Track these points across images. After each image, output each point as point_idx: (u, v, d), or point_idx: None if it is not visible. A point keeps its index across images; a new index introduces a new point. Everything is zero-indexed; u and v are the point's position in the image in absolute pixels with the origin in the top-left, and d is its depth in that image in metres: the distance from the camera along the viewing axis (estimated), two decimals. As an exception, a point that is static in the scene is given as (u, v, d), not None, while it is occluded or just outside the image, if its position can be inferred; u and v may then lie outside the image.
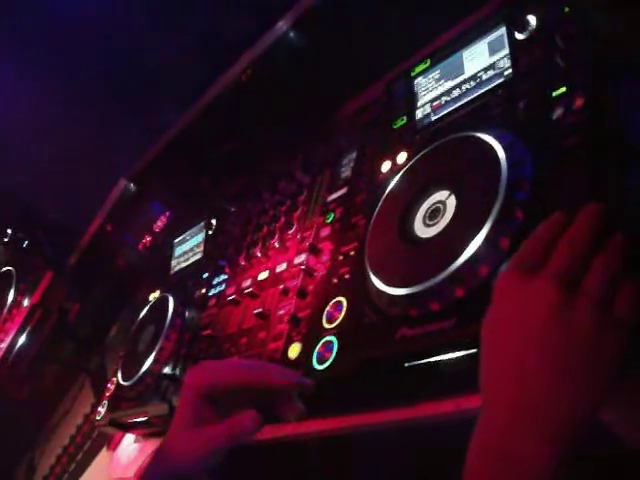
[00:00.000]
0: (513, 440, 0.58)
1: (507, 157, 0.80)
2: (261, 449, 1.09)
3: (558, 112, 0.80)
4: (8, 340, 1.89)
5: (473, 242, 0.77)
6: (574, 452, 0.57)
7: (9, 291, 1.95)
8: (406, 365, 0.85)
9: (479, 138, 0.85)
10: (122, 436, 1.69)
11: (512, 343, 0.61)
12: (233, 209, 1.58)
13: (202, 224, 1.67)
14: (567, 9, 0.87)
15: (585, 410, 0.57)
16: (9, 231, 2.05)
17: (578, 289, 0.60)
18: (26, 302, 1.92)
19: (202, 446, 0.80)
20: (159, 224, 1.93)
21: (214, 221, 1.62)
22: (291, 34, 1.40)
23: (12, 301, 1.94)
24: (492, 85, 0.96)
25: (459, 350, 0.79)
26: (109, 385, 1.62)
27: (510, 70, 0.93)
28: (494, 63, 0.97)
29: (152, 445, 1.53)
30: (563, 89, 0.81)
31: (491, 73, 0.97)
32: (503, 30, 0.97)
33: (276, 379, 0.81)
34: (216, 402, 0.82)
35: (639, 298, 0.59)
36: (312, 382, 0.84)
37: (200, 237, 1.66)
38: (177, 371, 1.37)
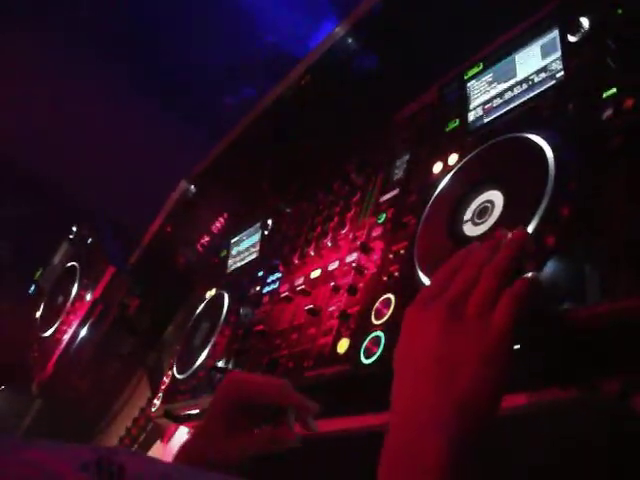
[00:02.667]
0: (414, 438, 0.65)
1: (555, 157, 0.81)
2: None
3: (607, 113, 0.80)
4: (71, 332, 1.97)
5: (519, 238, 0.78)
6: (477, 445, 0.64)
7: (73, 285, 2.03)
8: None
9: (528, 139, 0.87)
10: (176, 428, 1.74)
11: (413, 361, 0.70)
12: (289, 210, 1.61)
13: (258, 224, 1.71)
14: (620, 11, 0.87)
15: (471, 407, 0.64)
16: (74, 228, 2.13)
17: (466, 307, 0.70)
18: (88, 296, 1.99)
19: (242, 451, 0.93)
20: (217, 225, 1.98)
21: (270, 222, 1.66)
22: (348, 39, 1.43)
23: (75, 295, 2.01)
24: (544, 87, 0.97)
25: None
26: (165, 379, 1.67)
27: (562, 72, 0.94)
28: (546, 66, 0.98)
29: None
30: (613, 90, 0.82)
31: (543, 75, 0.98)
32: (556, 33, 0.98)
33: (295, 396, 0.93)
34: (248, 411, 0.94)
35: (513, 307, 0.67)
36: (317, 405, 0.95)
37: (256, 237, 1.70)
38: (229, 365, 1.40)
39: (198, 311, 1.64)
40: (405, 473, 0.64)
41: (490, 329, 0.67)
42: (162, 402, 1.62)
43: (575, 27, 0.94)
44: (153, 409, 1.65)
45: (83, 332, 1.97)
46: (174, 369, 1.57)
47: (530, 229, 0.78)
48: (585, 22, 0.92)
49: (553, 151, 0.82)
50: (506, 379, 0.67)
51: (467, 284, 0.71)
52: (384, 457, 0.66)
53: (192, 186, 1.97)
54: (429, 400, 0.66)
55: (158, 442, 1.84)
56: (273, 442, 0.93)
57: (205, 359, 1.43)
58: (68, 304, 2.01)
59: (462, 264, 0.74)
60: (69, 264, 2.12)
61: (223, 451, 0.92)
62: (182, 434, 1.71)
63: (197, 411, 1.48)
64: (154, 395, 1.72)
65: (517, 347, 0.78)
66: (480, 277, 0.71)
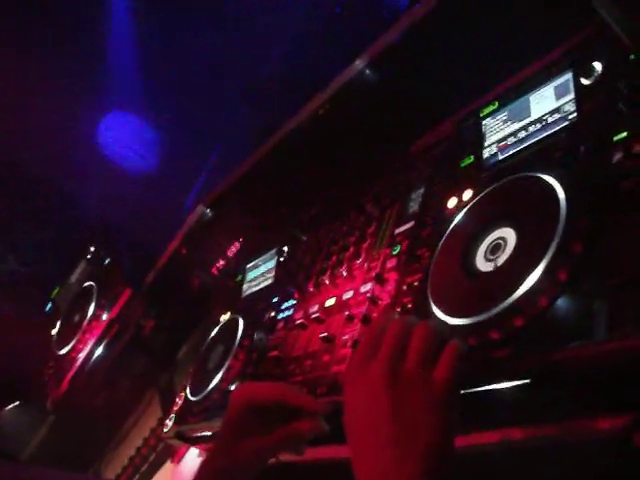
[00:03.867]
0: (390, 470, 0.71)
1: (566, 197, 0.84)
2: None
3: (618, 156, 0.83)
4: (86, 350, 2.00)
5: (533, 273, 0.81)
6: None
7: (90, 305, 2.06)
8: (461, 392, 0.89)
9: (540, 178, 0.90)
10: (187, 449, 1.76)
11: (368, 425, 0.75)
12: (304, 238, 1.65)
13: (274, 251, 1.74)
14: (633, 56, 0.90)
15: (434, 453, 0.71)
16: (92, 248, 2.17)
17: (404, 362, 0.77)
18: (105, 316, 2.03)
19: (259, 454, 0.99)
20: (232, 249, 2.01)
21: (286, 248, 1.69)
22: (367, 72, 1.46)
23: (92, 314, 2.05)
24: (557, 128, 1.00)
25: (515, 379, 0.83)
26: (177, 400, 1.69)
27: (575, 114, 0.97)
28: (560, 107, 1.01)
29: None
30: (624, 134, 0.85)
31: (556, 116, 1.01)
32: (569, 75, 1.01)
33: (307, 399, 0.98)
34: (261, 416, 0.98)
35: (455, 360, 0.76)
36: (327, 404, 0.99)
37: (271, 263, 1.73)
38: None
39: (212, 334, 1.67)
40: None
41: (436, 381, 0.75)
42: (174, 423, 1.64)
43: (588, 71, 0.97)
44: (165, 429, 1.67)
45: (98, 351, 2.00)
46: (187, 390, 1.59)
47: (543, 266, 0.80)
48: (598, 66, 0.96)
49: (565, 191, 0.85)
50: (457, 420, 0.75)
51: (399, 339, 0.78)
52: None
53: (209, 210, 2.01)
54: (395, 457, 0.71)
55: (168, 462, 1.86)
56: (288, 440, 0.98)
57: (219, 382, 1.45)
58: (84, 323, 2.05)
59: (387, 324, 0.81)
60: (86, 284, 2.15)
61: (241, 456, 0.97)
62: (193, 455, 1.73)
63: (209, 433, 1.50)
64: (166, 415, 1.74)
65: (525, 382, 0.81)
66: (412, 334, 0.79)
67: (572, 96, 0.99)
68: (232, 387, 1.44)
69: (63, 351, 2.08)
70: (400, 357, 0.77)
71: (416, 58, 1.39)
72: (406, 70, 1.43)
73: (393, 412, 0.73)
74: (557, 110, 1.01)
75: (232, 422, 1.00)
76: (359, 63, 1.47)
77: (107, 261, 2.13)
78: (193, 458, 1.73)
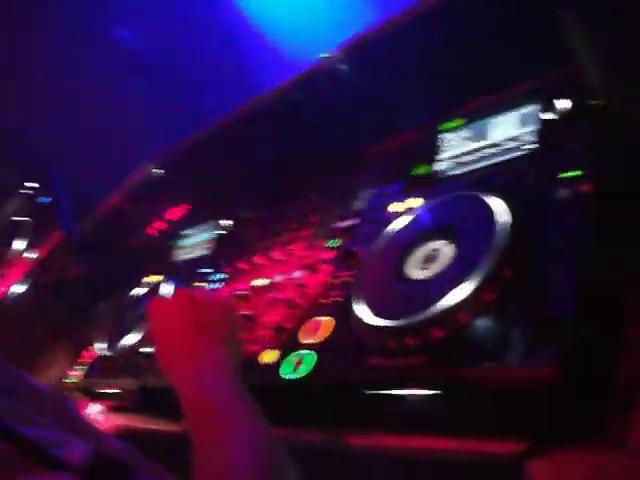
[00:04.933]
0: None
1: (505, 221, 0.85)
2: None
3: (563, 193, 0.85)
4: (7, 285, 1.95)
5: (460, 289, 0.82)
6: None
7: (20, 240, 2.01)
8: (367, 392, 0.90)
9: (484, 200, 0.91)
10: (86, 405, 1.73)
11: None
12: (248, 215, 1.64)
13: (215, 223, 1.73)
14: (596, 102, 0.92)
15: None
16: (33, 185, 2.11)
17: None
18: (32, 255, 1.98)
19: None
20: (173, 213, 1.99)
21: (227, 222, 1.68)
22: (338, 63, 1.45)
23: (21, 250, 1.99)
24: (513, 155, 1.02)
25: (423, 387, 0.83)
26: (87, 353, 1.66)
27: (533, 145, 0.99)
28: (520, 135, 1.02)
29: (113, 419, 1.56)
30: (573, 173, 0.87)
31: (515, 144, 1.02)
32: (537, 107, 1.03)
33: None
34: None
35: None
36: None
37: (210, 234, 1.72)
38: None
39: (137, 294, 1.64)
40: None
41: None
42: (81, 375, 1.61)
43: (553, 107, 0.99)
44: (69, 380, 1.64)
45: (19, 288, 1.95)
46: (100, 345, 1.56)
47: (471, 284, 0.81)
48: (566, 104, 0.97)
49: (505, 216, 0.86)
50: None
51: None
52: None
53: (157, 169, 1.97)
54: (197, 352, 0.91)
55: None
56: None
57: (135, 343, 1.43)
58: (11, 258, 1.99)
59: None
60: (20, 218, 2.09)
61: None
62: (93, 411, 1.70)
63: (115, 391, 1.47)
64: (72, 366, 1.71)
65: (434, 392, 0.82)
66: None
67: (534, 127, 1.01)
68: (147, 349, 1.42)
69: (-18, 282, 2.02)
70: None
71: (390, 60, 1.39)
72: (377, 72, 1.43)
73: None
74: (517, 138, 1.03)
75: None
76: (335, 52, 1.46)
77: (45, 200, 2.07)
78: (94, 414, 1.70)
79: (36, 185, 2.14)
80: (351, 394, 0.93)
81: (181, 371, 0.90)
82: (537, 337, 0.73)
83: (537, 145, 0.99)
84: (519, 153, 1.01)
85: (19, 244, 2.01)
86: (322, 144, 1.55)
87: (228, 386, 0.86)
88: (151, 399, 1.36)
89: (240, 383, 0.87)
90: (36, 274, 1.97)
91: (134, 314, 1.54)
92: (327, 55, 1.42)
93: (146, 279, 1.69)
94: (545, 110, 1.01)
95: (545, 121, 1.00)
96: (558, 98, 0.99)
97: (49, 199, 2.09)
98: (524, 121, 1.04)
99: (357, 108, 1.44)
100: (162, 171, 1.94)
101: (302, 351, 1.02)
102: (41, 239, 2.00)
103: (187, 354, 0.91)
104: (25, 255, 1.99)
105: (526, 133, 1.02)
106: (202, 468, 0.74)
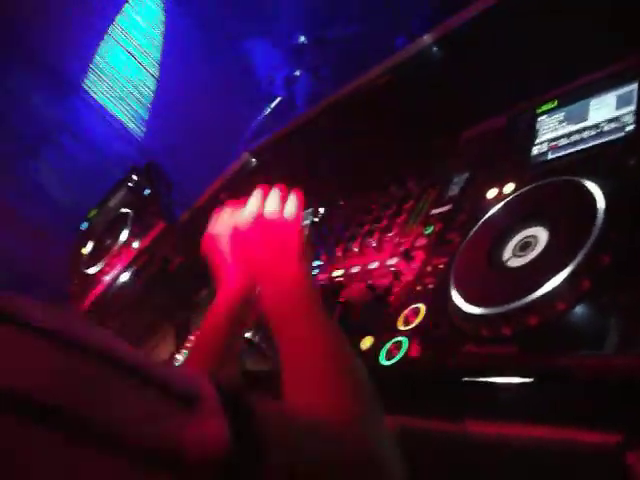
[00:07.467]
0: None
1: (605, 207, 0.83)
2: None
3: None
4: (113, 274, 2.04)
5: (556, 277, 0.81)
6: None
7: (123, 231, 2.09)
8: (464, 380, 0.90)
9: (583, 184, 0.89)
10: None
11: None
12: (342, 203, 1.65)
13: (309, 210, 1.75)
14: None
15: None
16: (135, 177, 2.19)
17: None
18: (136, 245, 2.06)
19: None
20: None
21: (322, 210, 1.70)
22: (433, 49, 1.45)
23: (124, 241, 2.08)
24: (611, 137, 0.99)
25: (519, 376, 0.83)
26: (191, 338, 1.73)
27: (632, 126, 0.96)
28: (619, 117, 0.99)
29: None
30: (677, 155, 0.84)
31: (613, 125, 0.99)
32: (635, 86, 0.99)
33: None
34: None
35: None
36: None
37: (304, 222, 1.74)
38: (256, 339, 1.44)
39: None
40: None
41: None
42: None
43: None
44: (175, 364, 1.71)
45: (124, 277, 2.03)
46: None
47: (567, 270, 0.80)
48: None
49: (605, 201, 0.84)
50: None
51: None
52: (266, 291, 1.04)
53: (253, 159, 2.01)
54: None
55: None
56: None
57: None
58: (115, 248, 2.08)
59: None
60: (124, 210, 2.18)
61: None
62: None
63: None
64: (177, 351, 1.78)
65: (529, 381, 0.82)
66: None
67: (633, 108, 0.98)
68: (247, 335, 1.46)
69: (91, 271, 2.12)
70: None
71: (482, 46, 1.37)
72: (470, 57, 1.41)
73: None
74: (615, 119, 1.00)
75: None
76: (427, 38, 1.45)
77: (147, 192, 2.15)
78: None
79: (137, 178, 2.23)
80: (447, 381, 0.93)
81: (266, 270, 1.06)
82: (635, 325, 0.71)
83: (636, 126, 0.96)
84: (620, 134, 0.98)
85: (123, 235, 2.10)
86: (416, 130, 1.55)
87: (311, 292, 0.99)
88: (252, 384, 1.40)
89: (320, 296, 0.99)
90: (141, 264, 2.05)
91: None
92: (421, 40, 1.42)
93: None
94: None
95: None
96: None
97: (151, 191, 2.16)
98: (623, 101, 1.01)
99: (451, 93, 1.43)
100: (258, 160, 1.98)
101: (399, 337, 1.03)
102: (145, 230, 2.08)
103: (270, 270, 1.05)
104: (130, 245, 2.07)
105: (626, 114, 0.99)
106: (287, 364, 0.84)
